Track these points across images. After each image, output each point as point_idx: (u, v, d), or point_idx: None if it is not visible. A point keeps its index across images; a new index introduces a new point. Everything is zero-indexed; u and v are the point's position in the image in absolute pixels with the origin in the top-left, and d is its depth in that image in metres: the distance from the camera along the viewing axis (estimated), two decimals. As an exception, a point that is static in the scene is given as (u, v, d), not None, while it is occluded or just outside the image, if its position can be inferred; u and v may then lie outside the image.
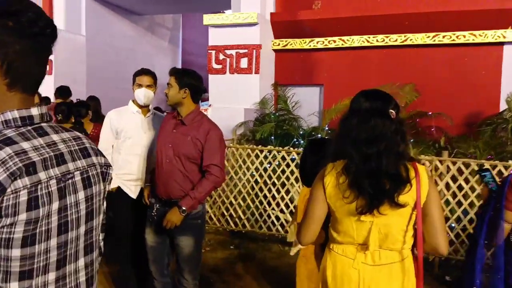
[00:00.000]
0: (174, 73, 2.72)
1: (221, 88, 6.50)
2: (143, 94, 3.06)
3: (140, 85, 3.08)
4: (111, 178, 1.17)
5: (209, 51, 6.58)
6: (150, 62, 9.54)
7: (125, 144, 3.11)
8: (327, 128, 5.50)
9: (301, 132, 5.70)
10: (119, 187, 3.14)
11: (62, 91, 4.95)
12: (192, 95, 2.69)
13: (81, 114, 4.38)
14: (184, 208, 2.57)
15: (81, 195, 1.01)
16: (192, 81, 2.69)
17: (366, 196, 1.58)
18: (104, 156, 1.14)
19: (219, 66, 6.53)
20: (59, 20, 8.63)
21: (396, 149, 1.60)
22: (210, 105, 6.41)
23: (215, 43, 6.56)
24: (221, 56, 6.51)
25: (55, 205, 0.94)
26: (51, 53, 0.99)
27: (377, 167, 1.58)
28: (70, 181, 0.98)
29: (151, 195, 2.89)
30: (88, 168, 1.05)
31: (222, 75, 6.51)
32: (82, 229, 1.03)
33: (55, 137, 0.98)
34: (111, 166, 1.16)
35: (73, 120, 4.18)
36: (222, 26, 6.46)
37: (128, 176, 3.12)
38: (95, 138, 4.49)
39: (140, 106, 3.13)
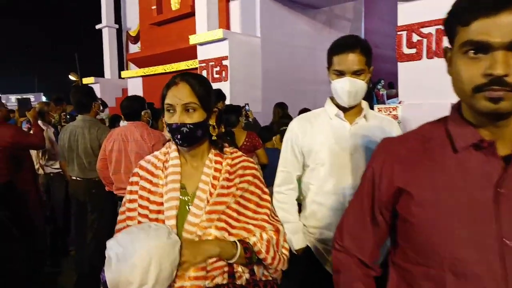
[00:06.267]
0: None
1: (415, 79, 4.87)
2: (346, 89, 1.71)
3: (340, 72, 1.73)
4: None
5: (399, 33, 5.05)
6: (328, 59, 8.50)
7: (315, 175, 1.84)
8: None
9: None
10: (307, 249, 1.87)
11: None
12: None
13: (230, 122, 3.53)
14: None
15: None
16: None
17: None
18: None
19: (413, 51, 4.94)
20: (235, 23, 8.41)
21: None
22: (400, 102, 4.90)
23: (406, 22, 4.98)
24: (415, 38, 4.91)
25: None
26: None
27: None
28: None
29: None
30: None
31: (416, 61, 4.89)
32: None
33: None
34: None
35: (223, 130, 3.37)
36: (416, -2, 4.88)
37: (319, 232, 1.82)
38: (248, 150, 3.61)
39: (344, 107, 1.82)
